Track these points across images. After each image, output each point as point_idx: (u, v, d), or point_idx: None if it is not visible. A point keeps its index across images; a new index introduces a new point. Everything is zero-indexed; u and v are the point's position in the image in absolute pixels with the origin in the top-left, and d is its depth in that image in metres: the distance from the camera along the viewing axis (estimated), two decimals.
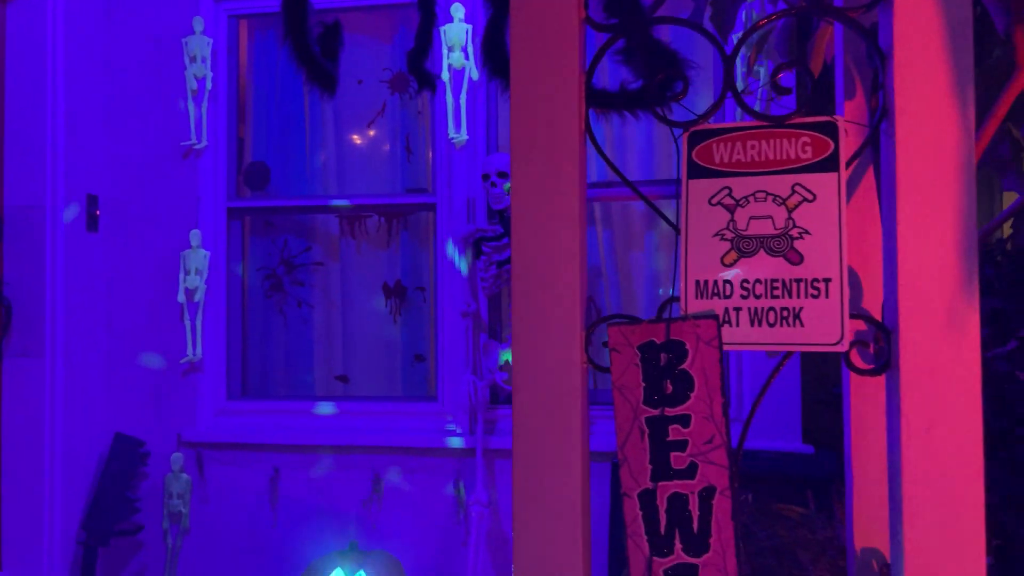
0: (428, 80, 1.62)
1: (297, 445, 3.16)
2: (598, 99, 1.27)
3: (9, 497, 3.04)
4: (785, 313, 1.13)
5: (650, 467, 1.14)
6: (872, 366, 1.13)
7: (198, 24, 3.26)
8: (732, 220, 1.16)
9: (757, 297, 1.14)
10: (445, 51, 3.03)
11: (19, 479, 3.03)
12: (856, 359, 1.14)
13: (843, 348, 1.10)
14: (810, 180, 1.14)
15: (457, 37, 3.04)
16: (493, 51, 1.24)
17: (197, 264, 3.24)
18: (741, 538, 1.12)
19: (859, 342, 1.16)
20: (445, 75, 3.04)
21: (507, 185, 2.98)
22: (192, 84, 3.26)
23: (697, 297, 1.17)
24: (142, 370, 3.28)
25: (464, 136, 3.07)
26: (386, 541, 3.00)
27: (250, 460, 3.20)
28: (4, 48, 3.10)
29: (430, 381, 3.30)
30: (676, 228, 1.19)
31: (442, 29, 3.02)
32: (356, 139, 3.43)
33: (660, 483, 1.14)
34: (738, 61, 2.41)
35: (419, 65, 1.60)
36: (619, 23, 1.17)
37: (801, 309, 1.12)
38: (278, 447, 3.18)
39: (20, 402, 3.04)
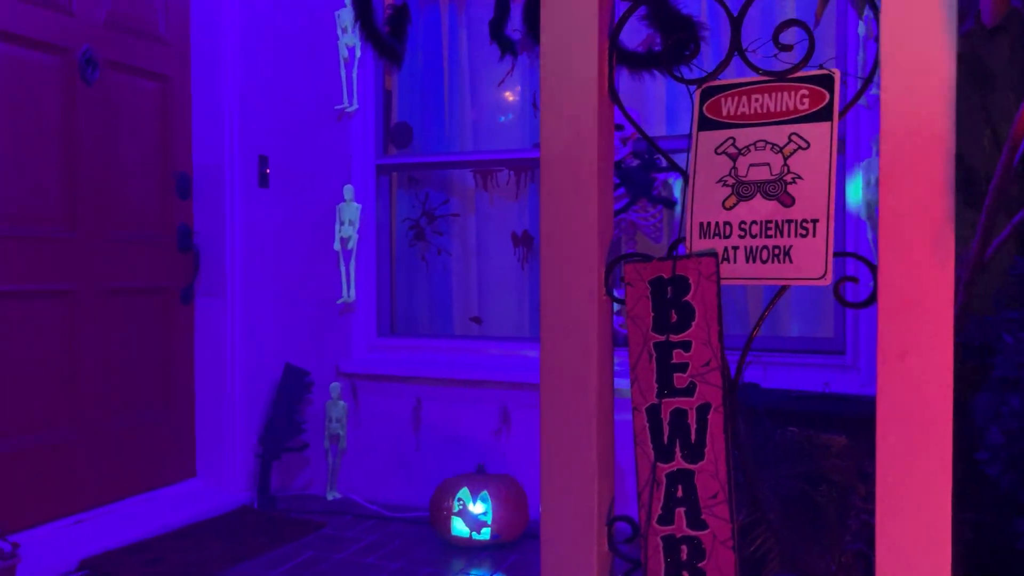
0: (509, 46, 1.80)
1: (436, 378, 3.50)
2: (630, 60, 1.41)
3: (201, 415, 3.60)
4: (777, 251, 1.25)
5: (656, 385, 1.31)
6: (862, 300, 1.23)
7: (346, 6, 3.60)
8: (734, 167, 1.29)
9: (753, 237, 1.27)
10: None
11: (209, 400, 3.58)
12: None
13: (827, 282, 1.21)
14: (806, 130, 1.25)
15: None
16: (533, 20, 1.42)
17: (350, 216, 3.63)
18: (732, 449, 1.27)
19: (849, 278, 1.26)
20: None
21: (623, 137, 3.11)
22: (344, 53, 3.62)
23: (701, 237, 1.31)
24: (305, 309, 3.74)
25: None
26: (512, 468, 3.29)
27: (396, 391, 3.58)
28: (189, 28, 3.59)
29: None
30: (685, 175, 1.33)
31: None
32: (489, 97, 3.67)
33: (664, 399, 1.30)
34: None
35: (499, 32, 1.78)
36: None
37: (791, 247, 1.24)
38: (420, 379, 3.53)
39: (208, 335, 3.58)
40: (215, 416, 3.56)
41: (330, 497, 3.62)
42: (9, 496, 2.72)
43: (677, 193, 3.10)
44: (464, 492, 3.01)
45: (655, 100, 3.27)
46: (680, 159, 3.00)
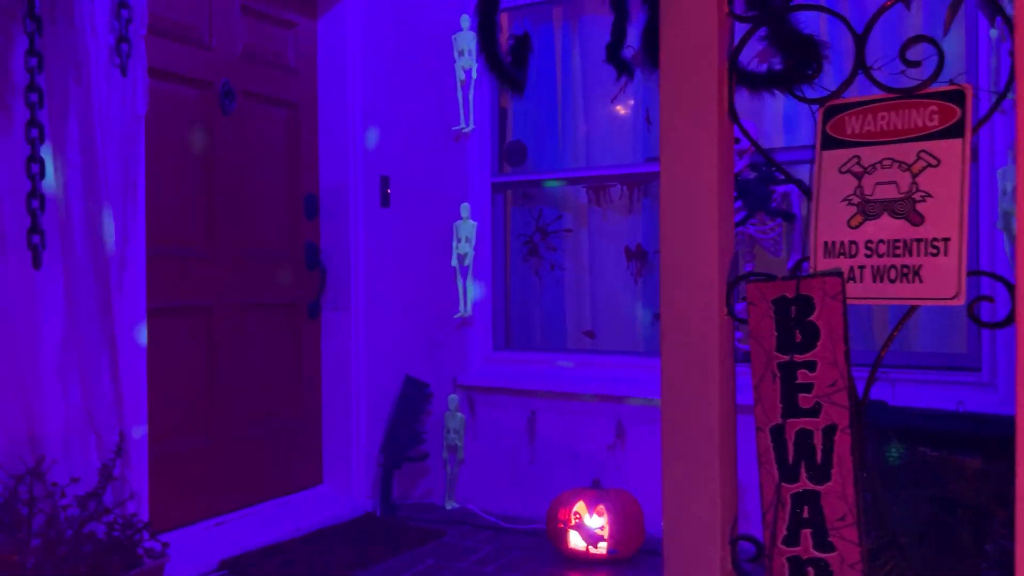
0: (625, 68, 1.84)
1: (550, 392, 3.55)
2: (749, 80, 1.42)
3: (328, 425, 3.77)
4: (906, 270, 1.23)
5: (780, 406, 1.31)
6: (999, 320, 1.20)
7: (464, 21, 3.71)
8: (859, 186, 1.28)
9: (880, 256, 1.26)
10: None
11: (335, 410, 3.75)
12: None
13: (960, 303, 1.19)
14: (935, 146, 1.22)
15: None
16: (652, 48, 1.45)
17: (467, 233, 3.73)
18: (861, 471, 1.25)
19: (984, 297, 1.23)
20: None
21: (740, 150, 3.08)
22: (460, 75, 3.73)
23: (825, 256, 1.30)
24: (423, 323, 3.86)
25: None
26: (626, 482, 3.29)
27: (512, 403, 3.65)
28: (316, 57, 3.79)
29: None
30: (808, 193, 1.32)
31: None
32: (601, 114, 3.70)
33: (788, 420, 1.30)
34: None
35: (616, 55, 1.83)
36: (758, 14, 1.32)
37: (920, 267, 1.22)
38: (535, 393, 3.59)
39: (334, 348, 3.75)
40: (341, 425, 3.72)
41: (448, 507, 3.72)
42: (158, 498, 2.93)
43: (796, 206, 3.04)
44: (580, 506, 3.03)
45: (772, 112, 3.22)
46: (798, 171, 2.96)
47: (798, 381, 1.29)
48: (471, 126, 3.75)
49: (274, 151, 3.58)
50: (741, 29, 1.40)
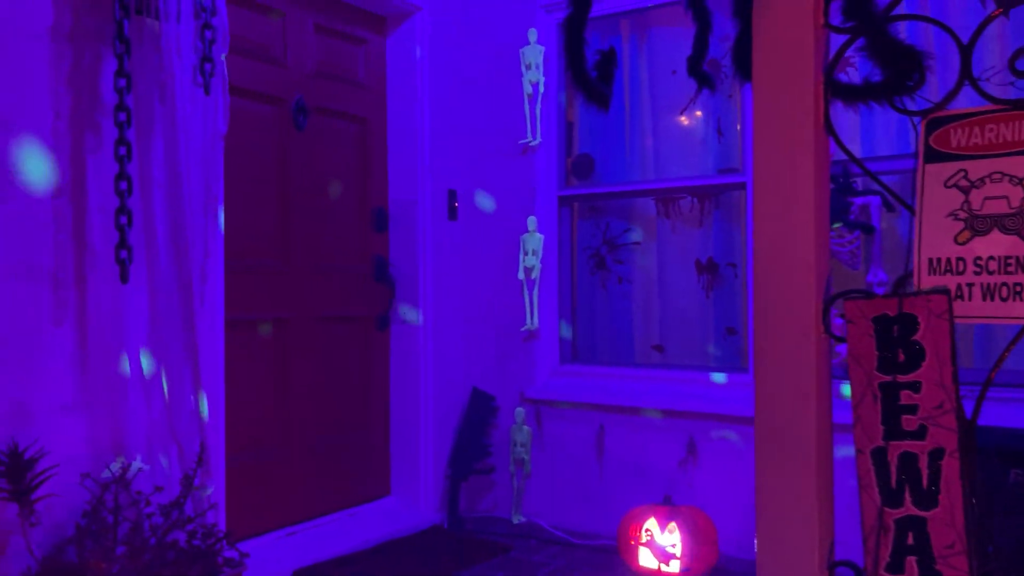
0: (707, 81, 1.82)
1: (619, 406, 3.51)
2: (845, 92, 1.39)
3: (396, 436, 3.80)
4: (1018, 288, 1.18)
5: (882, 427, 1.26)
6: None
7: (532, 35, 3.72)
8: (967, 201, 1.23)
9: (990, 273, 1.21)
10: None
11: (403, 422, 3.77)
12: None
13: None
14: None
15: None
16: (742, 60, 1.42)
17: (534, 246, 3.73)
18: (971, 497, 1.20)
19: None
20: None
21: None
22: (528, 89, 3.74)
23: (930, 273, 1.26)
24: (490, 336, 3.86)
25: None
26: (699, 499, 3.23)
27: (579, 417, 3.62)
28: (385, 73, 3.84)
29: (742, 353, 3.45)
30: (911, 209, 1.28)
31: None
32: (670, 125, 3.66)
33: (891, 442, 1.26)
34: None
35: (697, 68, 1.80)
36: (856, 25, 1.29)
37: None
38: (602, 407, 3.56)
39: (402, 360, 3.78)
40: (409, 437, 3.74)
41: (515, 520, 3.71)
42: (232, 507, 2.98)
43: (876, 218, 2.96)
44: (652, 523, 2.99)
45: (847, 122, 3.14)
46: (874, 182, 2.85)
47: (901, 402, 1.25)
48: (538, 139, 3.75)
49: (344, 165, 3.63)
50: (836, 40, 1.37)
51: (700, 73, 1.81)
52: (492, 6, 3.85)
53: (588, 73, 1.51)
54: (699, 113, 3.59)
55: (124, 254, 2.36)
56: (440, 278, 3.81)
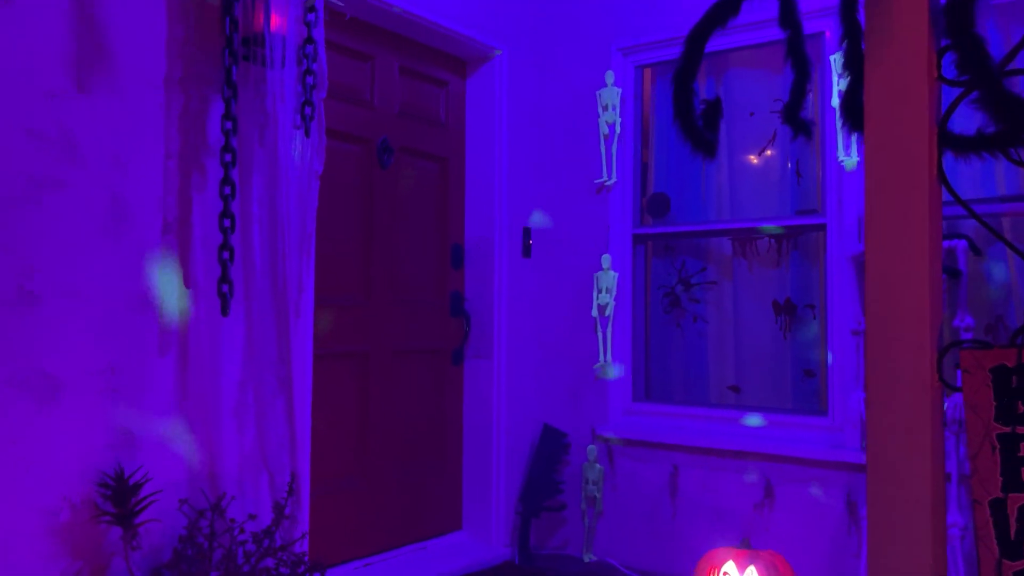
0: (804, 128, 1.84)
1: (692, 447, 3.50)
2: (956, 143, 1.40)
3: (468, 471, 3.83)
4: None
5: (1000, 479, 1.26)
6: None
7: (609, 77, 3.79)
8: None
9: None
10: (835, 77, 3.17)
11: (475, 456, 3.81)
12: None
13: None
14: None
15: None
16: (853, 111, 1.45)
17: (607, 284, 3.76)
18: None
19: None
20: (835, 101, 3.18)
21: None
22: (604, 129, 3.80)
23: None
24: (562, 372, 3.89)
25: (855, 159, 3.16)
26: (776, 543, 3.19)
27: (652, 456, 3.61)
28: (465, 113, 3.94)
29: (820, 396, 3.42)
30: (977, 250, 1.28)
31: (832, 57, 3.17)
32: (747, 166, 3.68)
33: (1011, 494, 1.25)
34: None
35: (794, 116, 1.83)
36: (970, 79, 1.31)
37: None
38: (676, 447, 3.54)
39: (475, 394, 3.83)
40: (480, 472, 3.77)
41: (586, 559, 3.70)
42: (314, 536, 3.04)
43: (963, 262, 2.92)
44: (730, 565, 2.96)
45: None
46: (962, 226, 2.85)
47: (1021, 454, 1.25)
48: (613, 179, 3.80)
49: (424, 203, 3.72)
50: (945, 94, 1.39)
51: (797, 121, 1.84)
52: (570, 49, 3.94)
53: (695, 123, 1.55)
54: (778, 154, 3.60)
55: (225, 288, 2.46)
56: (514, 314, 3.86)
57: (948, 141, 1.40)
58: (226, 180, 2.48)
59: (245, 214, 2.62)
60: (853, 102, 1.45)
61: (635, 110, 3.85)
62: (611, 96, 3.79)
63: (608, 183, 3.81)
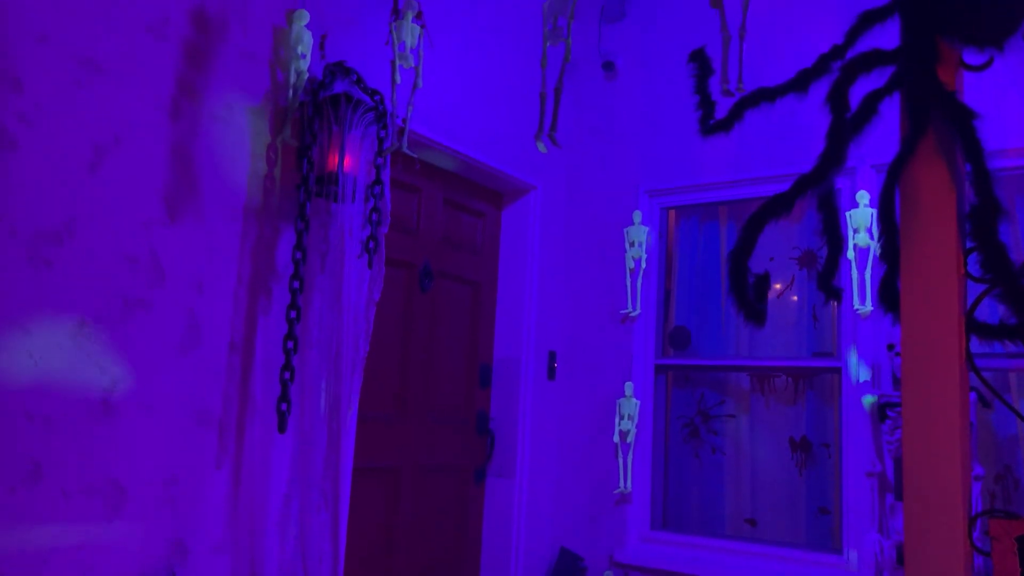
0: (835, 295, 2.04)
1: None
2: (981, 330, 1.59)
3: None
4: None
5: None
6: None
7: (636, 216, 4.05)
8: None
9: None
10: (851, 232, 3.42)
11: (496, 574, 3.86)
12: None
13: None
14: None
15: (862, 220, 3.40)
16: (889, 296, 1.65)
17: (629, 411, 3.91)
18: None
19: None
20: (850, 254, 3.42)
21: None
22: (630, 264, 4.04)
23: None
24: (582, 495, 3.99)
25: (868, 308, 3.37)
26: None
27: None
28: (499, 241, 4.19)
29: (834, 534, 3.52)
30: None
31: (848, 213, 3.43)
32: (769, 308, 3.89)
33: None
34: None
35: (827, 284, 2.04)
36: (993, 277, 1.51)
37: None
38: None
39: (496, 513, 3.91)
40: None
41: None
42: None
43: (971, 413, 3.09)
44: None
45: None
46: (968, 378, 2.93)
47: None
48: (637, 310, 4.01)
49: (457, 324, 3.91)
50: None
51: (829, 288, 2.04)
52: (600, 188, 4.22)
53: (748, 295, 1.75)
54: (796, 298, 3.82)
55: (284, 406, 2.62)
56: (537, 435, 3.99)
57: (974, 328, 1.59)
58: (292, 305, 2.67)
59: (305, 337, 2.80)
60: (889, 288, 1.65)
61: (660, 248, 4.10)
62: (638, 234, 4.04)
63: (632, 314, 4.01)
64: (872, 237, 3.37)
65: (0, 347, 2.09)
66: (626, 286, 4.05)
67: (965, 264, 1.57)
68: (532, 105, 3.58)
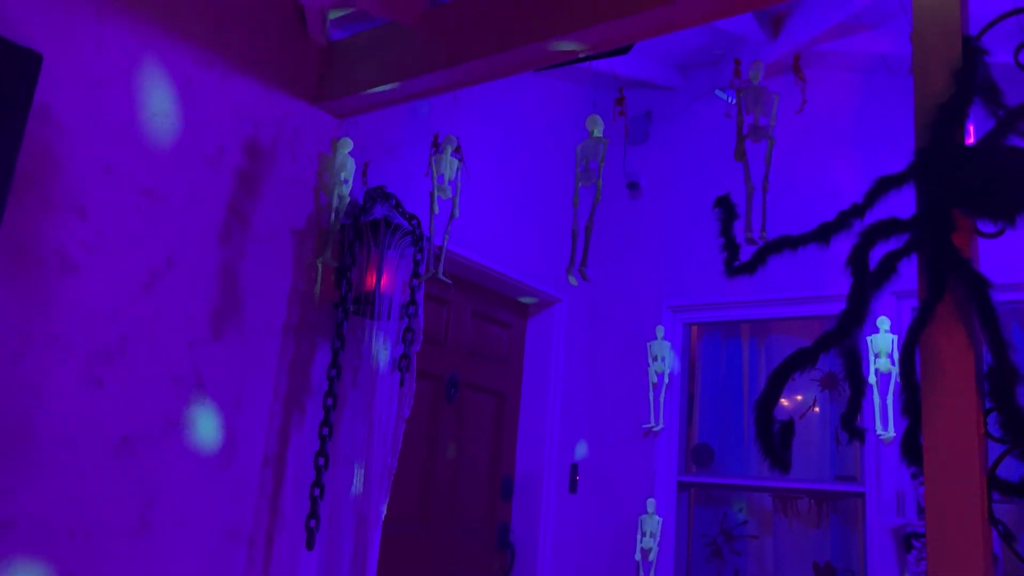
0: (858, 435, 2.09)
1: None
2: (1002, 487, 1.64)
3: None
4: None
5: None
6: None
7: (659, 331, 4.13)
8: None
9: None
10: (872, 356, 3.47)
11: None
12: None
13: None
14: None
15: (884, 345, 3.46)
16: (912, 449, 1.71)
17: (651, 528, 3.90)
18: None
19: None
20: (872, 378, 3.46)
21: None
22: (653, 378, 4.09)
23: None
24: None
25: (891, 433, 3.39)
26: None
27: None
28: (523, 352, 4.27)
29: None
30: None
31: (869, 339, 3.49)
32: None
33: None
34: None
35: (850, 424, 2.09)
36: (1012, 438, 1.57)
37: None
38: None
39: None
40: None
41: None
42: None
43: None
44: None
45: None
46: None
47: None
48: (660, 425, 4.04)
49: (481, 435, 3.96)
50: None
51: (852, 428, 2.10)
52: (624, 302, 4.32)
53: (773, 442, 1.81)
54: (815, 418, 3.84)
55: (313, 523, 2.66)
56: (558, 550, 3.97)
57: (995, 484, 1.63)
58: (325, 422, 2.74)
59: (335, 451, 2.86)
60: (912, 441, 1.70)
61: (683, 363, 4.16)
62: (660, 348, 4.11)
63: (655, 429, 4.04)
64: (893, 362, 3.42)
65: (49, 464, 2.17)
66: (649, 400, 4.09)
67: (985, 423, 1.62)
68: (558, 222, 3.73)
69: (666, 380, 4.08)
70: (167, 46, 2.53)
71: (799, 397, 3.94)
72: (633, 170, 4.47)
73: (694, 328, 4.25)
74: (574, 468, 4.14)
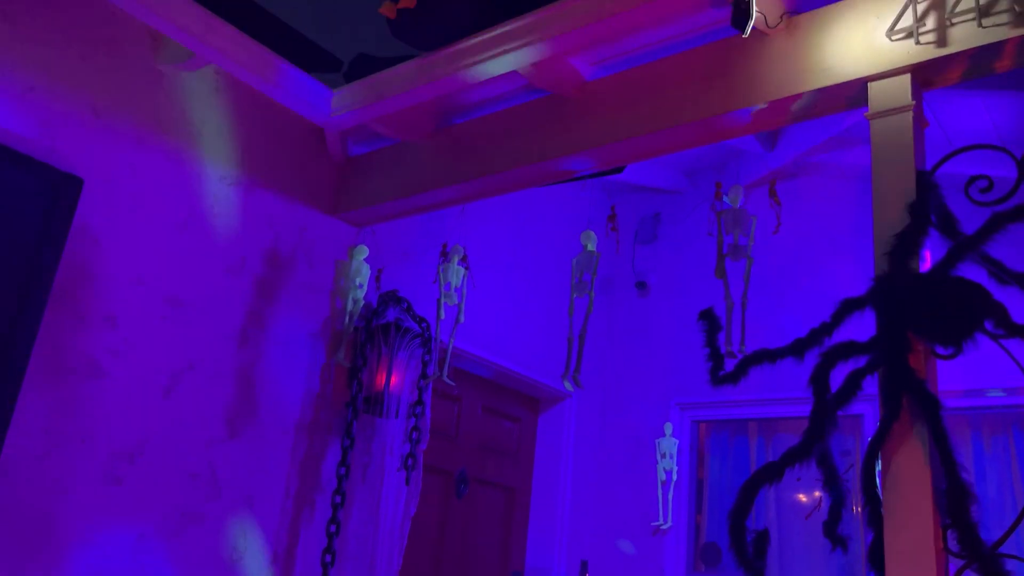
0: (841, 543, 2.15)
1: None
2: None
3: None
4: None
5: None
6: None
7: (668, 428, 4.20)
8: None
9: None
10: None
11: None
12: None
13: None
14: None
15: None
16: (877, 561, 1.78)
17: None
18: None
19: None
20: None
21: None
22: (661, 475, 4.14)
23: None
24: None
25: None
26: None
27: None
28: (534, 446, 4.35)
29: None
30: None
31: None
32: (795, 528, 3.93)
33: None
34: None
35: (832, 531, 2.15)
36: (968, 554, 1.64)
37: None
38: None
39: None
40: None
41: None
42: None
43: None
44: None
45: None
46: None
47: None
48: (668, 523, 4.07)
49: (490, 530, 4.02)
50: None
51: (835, 536, 2.16)
52: (633, 399, 4.41)
53: (747, 552, 1.89)
54: (821, 519, 3.85)
55: None
56: None
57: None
58: (333, 519, 2.85)
59: (342, 548, 2.95)
60: (877, 553, 1.78)
61: (691, 460, 4.21)
62: (669, 445, 4.17)
63: (664, 527, 4.07)
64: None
65: (67, 560, 2.30)
66: (658, 497, 4.13)
67: (945, 539, 1.70)
68: (567, 321, 3.86)
69: (674, 477, 4.13)
70: (197, 166, 2.77)
71: (817, 493, 3.97)
72: (642, 269, 4.63)
73: (702, 425, 4.32)
74: (584, 565, 4.16)
